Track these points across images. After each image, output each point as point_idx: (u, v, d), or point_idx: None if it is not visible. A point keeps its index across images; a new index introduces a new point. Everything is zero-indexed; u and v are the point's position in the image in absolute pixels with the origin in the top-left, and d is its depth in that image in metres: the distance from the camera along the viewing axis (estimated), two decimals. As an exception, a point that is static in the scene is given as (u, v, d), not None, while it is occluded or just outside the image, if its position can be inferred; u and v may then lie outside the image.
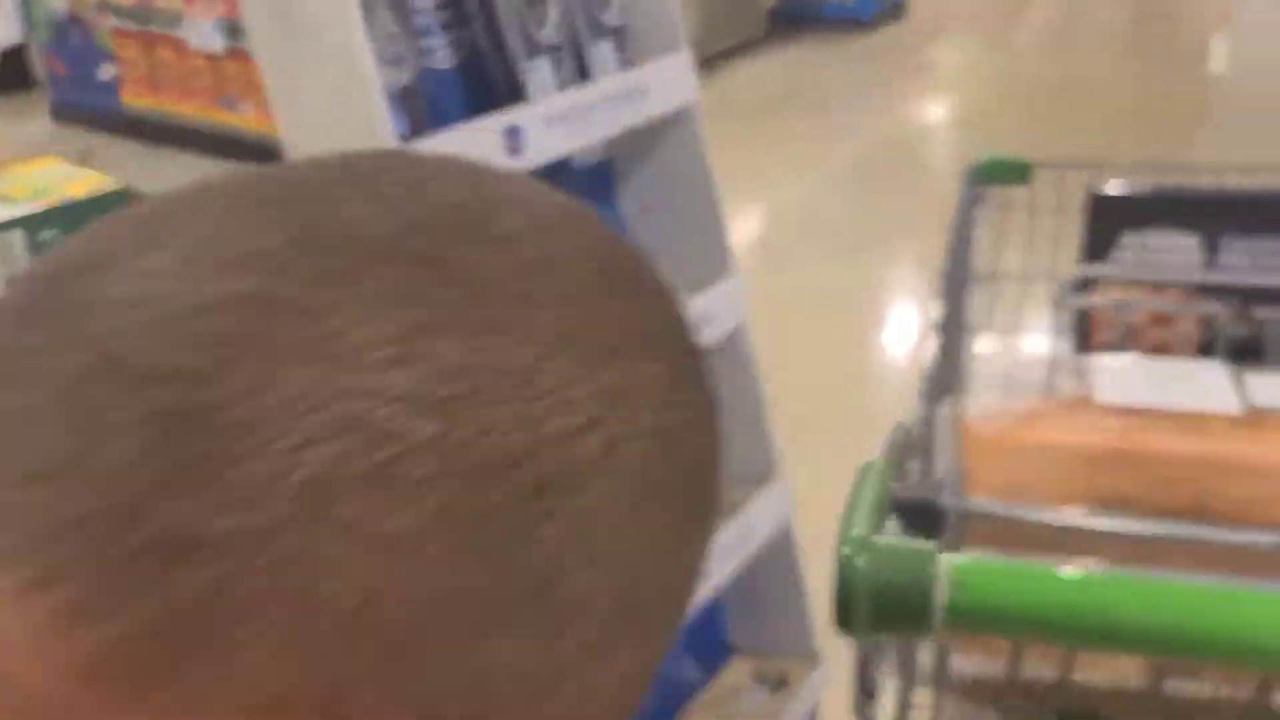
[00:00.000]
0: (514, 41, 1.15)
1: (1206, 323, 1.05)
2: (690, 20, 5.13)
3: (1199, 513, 0.62)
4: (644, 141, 1.41)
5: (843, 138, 4.38)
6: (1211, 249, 1.31)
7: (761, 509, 1.46)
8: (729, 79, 5.01)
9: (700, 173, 1.40)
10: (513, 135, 1.06)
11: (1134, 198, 1.33)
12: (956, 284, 1.35)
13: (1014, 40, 6.05)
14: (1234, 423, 0.66)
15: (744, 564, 1.43)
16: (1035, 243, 1.43)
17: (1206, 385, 0.70)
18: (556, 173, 1.37)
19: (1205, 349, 1.02)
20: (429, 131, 1.04)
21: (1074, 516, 0.60)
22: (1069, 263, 1.37)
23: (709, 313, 1.42)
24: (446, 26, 1.19)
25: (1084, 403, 0.70)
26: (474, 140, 1.05)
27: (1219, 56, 4.46)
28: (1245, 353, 0.95)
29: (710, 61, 5.01)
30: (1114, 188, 1.33)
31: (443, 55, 1.19)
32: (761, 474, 1.54)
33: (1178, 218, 1.31)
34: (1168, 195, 1.34)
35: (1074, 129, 4.24)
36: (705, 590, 1.50)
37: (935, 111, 4.90)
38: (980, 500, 0.55)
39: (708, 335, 1.50)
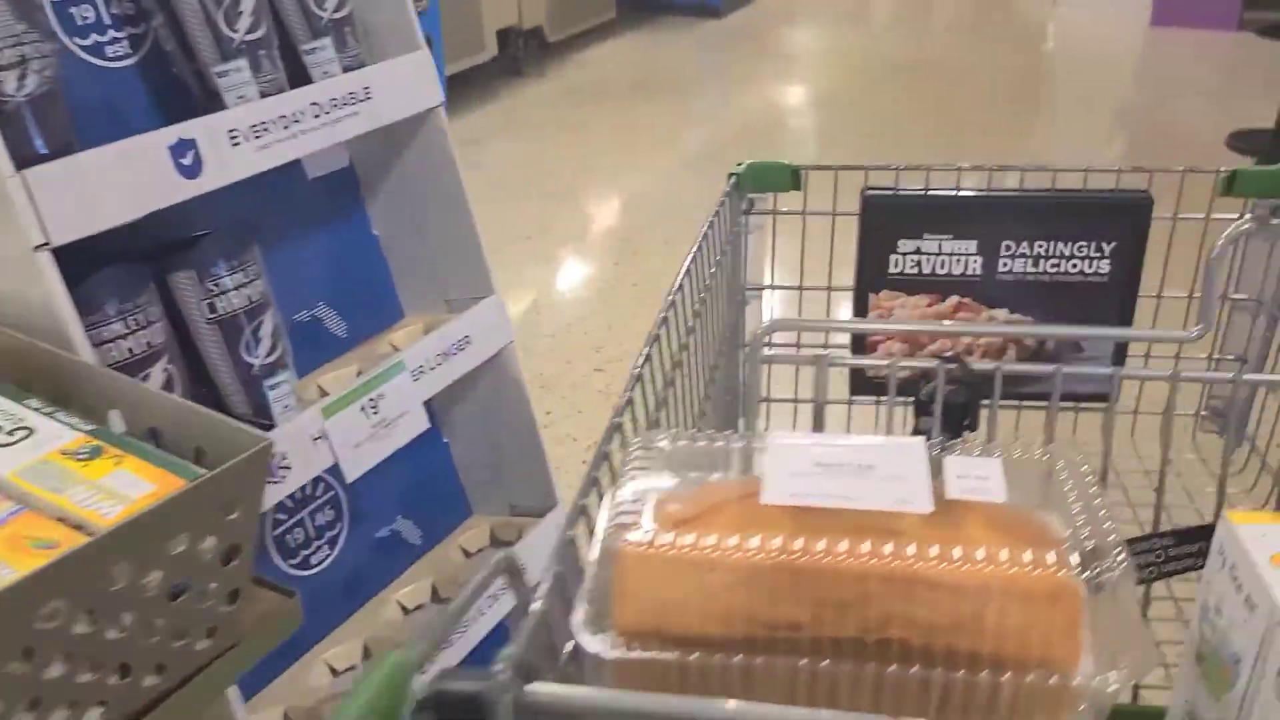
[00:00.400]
0: (201, 39, 1.00)
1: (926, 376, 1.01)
2: (539, 3, 4.78)
3: (880, 639, 0.53)
4: (386, 150, 1.27)
5: (695, 123, 4.34)
6: (990, 254, 1.29)
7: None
8: (579, 64, 4.91)
9: (451, 186, 1.26)
10: (183, 151, 0.91)
11: (908, 202, 1.29)
12: (731, 299, 1.31)
13: (863, 24, 6.09)
14: (926, 523, 0.56)
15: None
16: (811, 250, 1.41)
17: (896, 472, 0.60)
18: (288, 182, 1.23)
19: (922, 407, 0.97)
20: (82, 146, 0.88)
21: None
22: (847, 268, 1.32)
23: (472, 334, 1.30)
24: (122, 20, 1.03)
25: (755, 495, 0.59)
26: (133, 158, 0.89)
27: (1052, 35, 5.52)
28: (961, 414, 0.88)
29: (559, 46, 4.89)
30: (887, 192, 1.28)
31: (116, 51, 1.03)
32: (541, 509, 1.44)
33: (956, 223, 1.28)
34: (944, 200, 1.29)
35: (929, 105, 4.36)
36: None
37: (788, 95, 4.88)
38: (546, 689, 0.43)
39: (472, 357, 1.36)
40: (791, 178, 1.32)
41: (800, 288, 1.41)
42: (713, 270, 1.13)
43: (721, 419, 1.26)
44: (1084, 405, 1.30)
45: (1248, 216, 1.24)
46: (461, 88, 4.22)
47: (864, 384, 1.33)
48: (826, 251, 1.39)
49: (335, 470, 1.11)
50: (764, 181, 1.34)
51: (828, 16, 6.14)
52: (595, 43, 5.18)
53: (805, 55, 5.34)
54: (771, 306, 1.43)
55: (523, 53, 4.66)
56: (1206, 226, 1.28)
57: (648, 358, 0.84)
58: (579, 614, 0.52)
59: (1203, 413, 1.38)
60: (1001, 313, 1.30)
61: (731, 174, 1.30)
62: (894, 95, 4.57)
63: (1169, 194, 1.28)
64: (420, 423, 1.20)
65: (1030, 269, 1.28)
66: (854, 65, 5.07)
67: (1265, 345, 1.31)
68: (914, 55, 5.18)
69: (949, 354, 1.11)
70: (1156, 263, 1.31)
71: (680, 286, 0.98)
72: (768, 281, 1.40)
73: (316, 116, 1.06)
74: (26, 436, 0.75)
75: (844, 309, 1.38)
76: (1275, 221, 1.25)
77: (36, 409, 0.78)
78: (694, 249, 1.05)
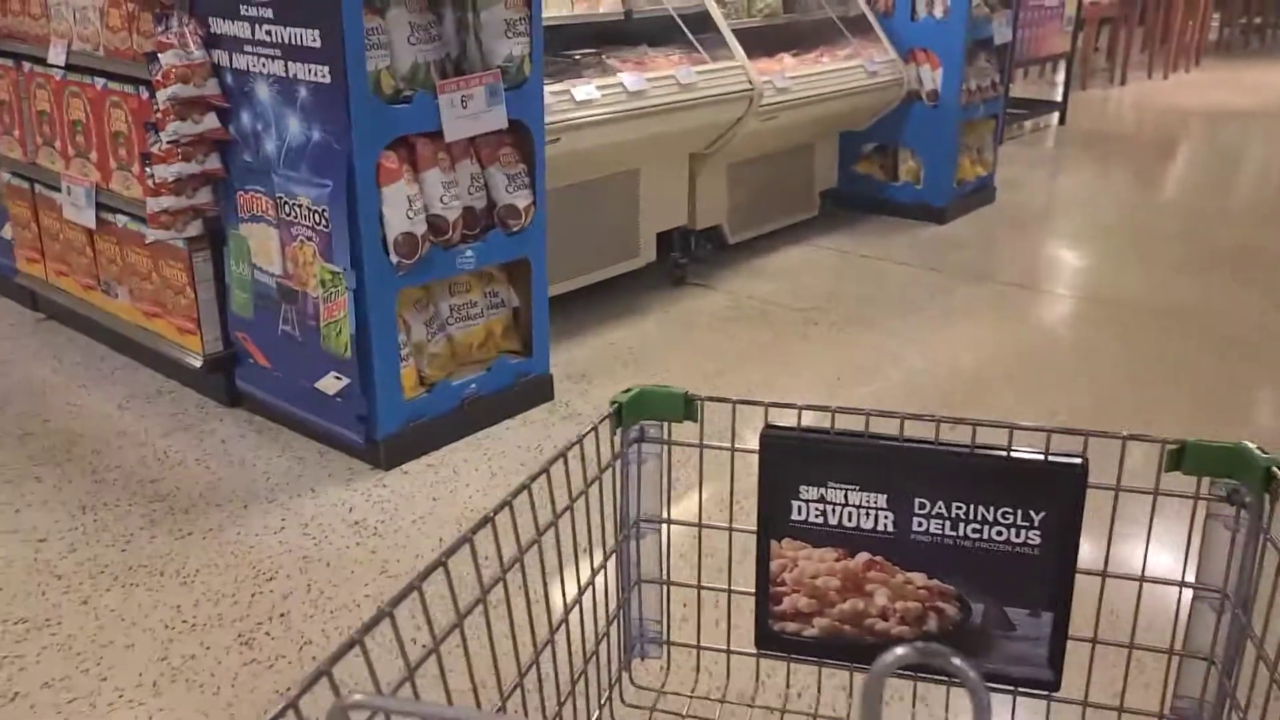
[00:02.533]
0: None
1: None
2: (719, 199, 4.39)
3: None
4: None
5: (879, 365, 3.60)
6: (903, 511, 1.15)
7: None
8: (758, 273, 4.55)
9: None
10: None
11: (809, 445, 1.17)
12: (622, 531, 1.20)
13: (1131, 239, 5.20)
14: None
15: None
16: (712, 481, 1.31)
17: None
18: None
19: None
20: None
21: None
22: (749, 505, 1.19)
23: None
24: None
25: None
26: None
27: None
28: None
29: (741, 249, 4.67)
30: (788, 431, 1.18)
31: None
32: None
33: (863, 472, 1.16)
34: (848, 446, 1.17)
35: (1209, 374, 3.63)
36: None
37: (1007, 341, 3.98)
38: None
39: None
40: (685, 407, 1.24)
41: (700, 525, 1.31)
42: (573, 497, 1.05)
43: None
44: (1023, 691, 1.18)
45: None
46: (604, 298, 4.02)
47: (771, 639, 1.24)
48: (730, 486, 1.27)
49: None
50: (654, 409, 1.24)
51: (1082, 225, 5.34)
52: (786, 244, 4.83)
53: (1042, 283, 4.41)
54: (666, 544, 1.33)
55: (690, 259, 4.38)
56: (1155, 501, 1.13)
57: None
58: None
59: (1167, 715, 1.21)
60: (919, 576, 1.18)
61: (614, 401, 1.23)
62: (1157, 349, 3.60)
63: (1109, 461, 1.14)
64: None
65: (949, 531, 1.15)
66: (1108, 301, 4.22)
67: (1233, 646, 1.12)
68: (1195, 294, 4.40)
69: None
70: (1099, 535, 1.17)
71: (510, 505, 0.92)
72: (663, 515, 1.31)
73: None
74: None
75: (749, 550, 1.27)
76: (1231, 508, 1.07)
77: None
78: (540, 472, 0.98)
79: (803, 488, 1.17)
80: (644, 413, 1.24)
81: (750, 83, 4.04)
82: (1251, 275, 4.47)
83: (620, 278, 4.06)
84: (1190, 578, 1.16)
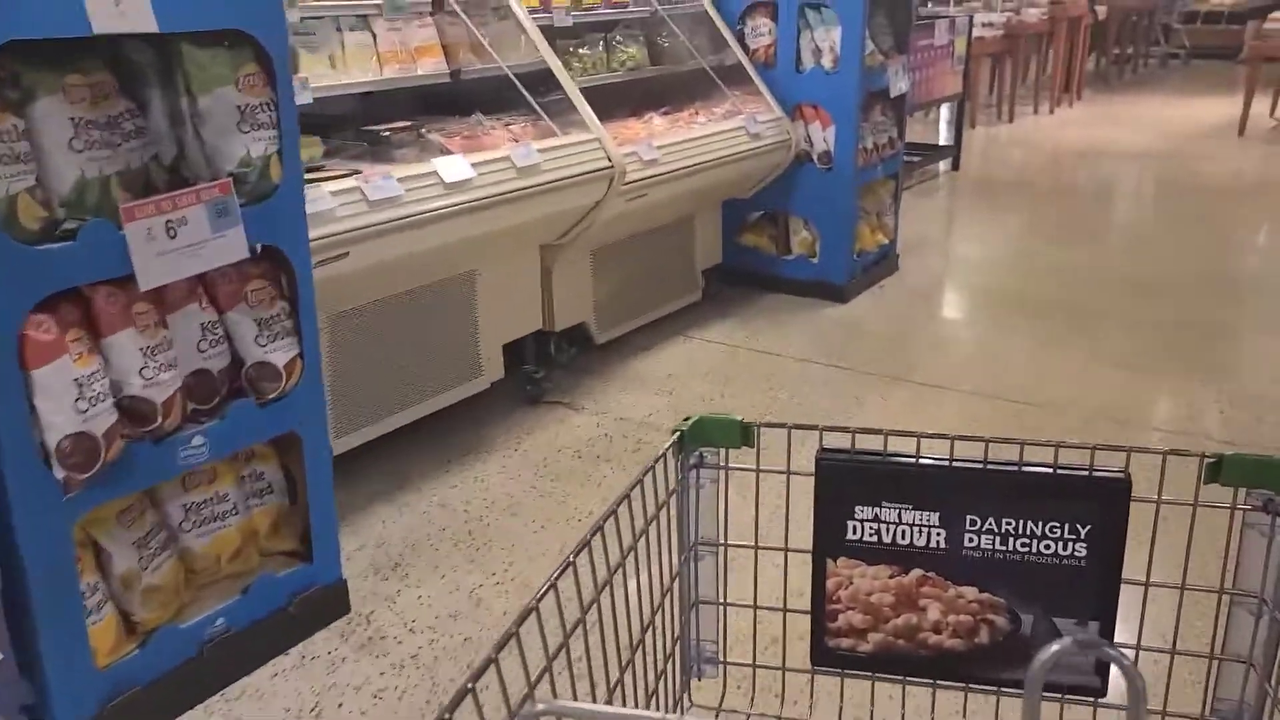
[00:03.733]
0: None
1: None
2: (583, 295, 3.26)
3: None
4: None
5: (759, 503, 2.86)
6: (954, 528, 1.20)
7: None
8: (634, 381, 3.84)
9: None
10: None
11: (864, 468, 1.22)
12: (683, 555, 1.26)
13: (1048, 320, 4.64)
14: None
15: None
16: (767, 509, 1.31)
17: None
18: None
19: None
20: None
21: None
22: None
23: None
24: None
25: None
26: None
27: None
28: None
29: (613, 349, 3.91)
30: (841, 455, 1.23)
31: None
32: None
33: (915, 492, 1.21)
34: (901, 468, 1.22)
35: None
36: None
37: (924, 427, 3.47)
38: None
39: None
40: (741, 434, 1.28)
41: (755, 547, 1.35)
42: (644, 525, 1.12)
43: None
44: (1070, 697, 1.22)
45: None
46: (438, 433, 3.22)
47: (827, 655, 1.28)
48: (785, 509, 1.27)
49: None
50: (711, 437, 1.28)
51: (998, 299, 4.76)
52: (666, 339, 4.08)
53: (963, 381, 3.84)
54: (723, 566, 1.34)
55: (549, 370, 3.63)
56: (1195, 512, 1.20)
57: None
58: None
59: (1209, 717, 1.25)
60: (970, 590, 1.23)
61: (676, 429, 1.27)
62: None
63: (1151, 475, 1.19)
64: None
65: (999, 546, 1.21)
66: (1045, 405, 3.69)
67: (1272, 649, 1.19)
68: (1144, 395, 3.87)
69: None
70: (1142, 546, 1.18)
71: (589, 544, 0.98)
72: (720, 538, 1.34)
73: None
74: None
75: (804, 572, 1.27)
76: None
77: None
78: (614, 506, 1.07)
79: (858, 508, 1.22)
80: (703, 440, 1.28)
81: (609, 159, 3.26)
82: (1208, 366, 3.87)
83: (460, 405, 3.23)
84: (1228, 584, 1.20)
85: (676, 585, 1.32)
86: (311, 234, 2.16)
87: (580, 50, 4.06)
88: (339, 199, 2.44)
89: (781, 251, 4.59)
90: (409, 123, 3.18)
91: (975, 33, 7.33)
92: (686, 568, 1.31)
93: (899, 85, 4.50)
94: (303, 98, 2.86)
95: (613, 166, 3.25)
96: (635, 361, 3.85)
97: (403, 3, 3.21)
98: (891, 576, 1.23)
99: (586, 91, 3.93)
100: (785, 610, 1.36)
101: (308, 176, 2.47)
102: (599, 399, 3.52)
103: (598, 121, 3.32)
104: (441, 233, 2.72)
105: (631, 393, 3.57)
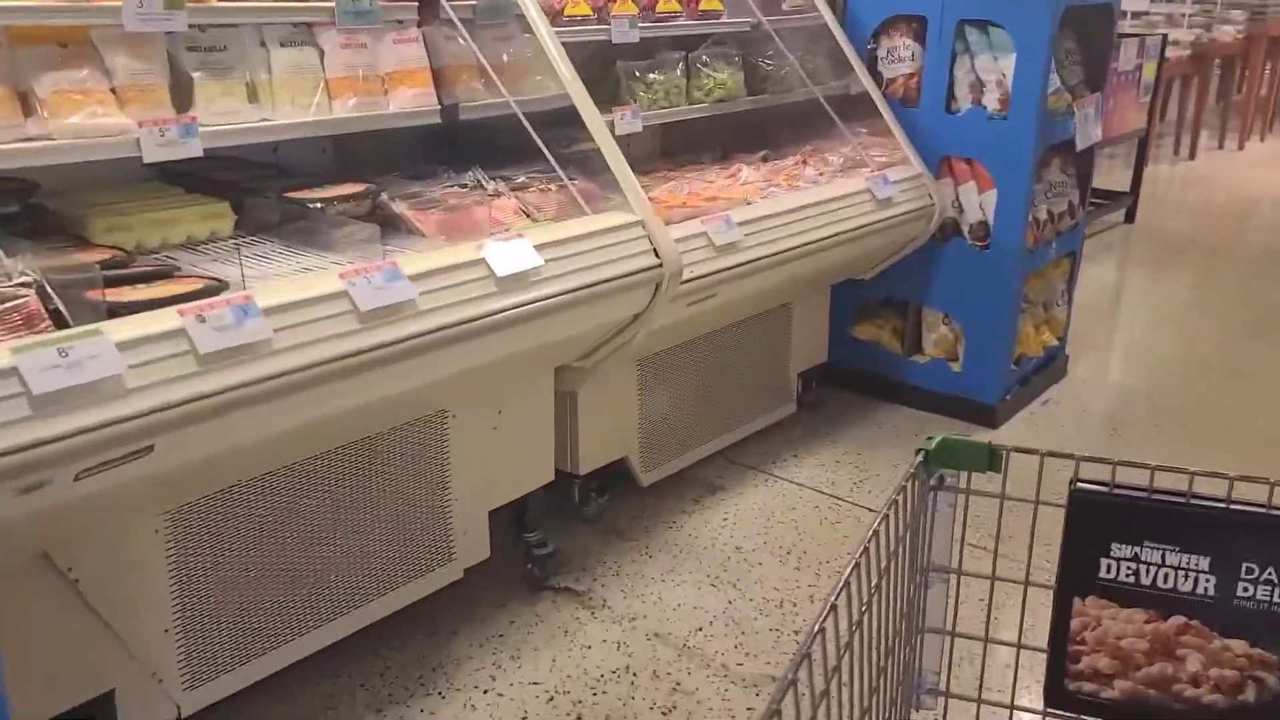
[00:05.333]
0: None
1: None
2: (626, 422, 2.60)
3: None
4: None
5: None
6: (1227, 574, 1.14)
7: None
8: (682, 549, 2.79)
9: None
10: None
11: (1126, 504, 1.17)
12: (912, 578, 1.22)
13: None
14: None
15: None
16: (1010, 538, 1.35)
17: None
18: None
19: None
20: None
21: None
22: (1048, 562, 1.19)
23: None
24: None
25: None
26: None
27: None
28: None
29: (664, 490, 2.84)
30: (1101, 489, 1.19)
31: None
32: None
33: (1184, 533, 1.16)
34: (1171, 507, 1.16)
35: None
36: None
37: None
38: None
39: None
40: (989, 458, 1.26)
41: (993, 578, 1.32)
42: (892, 549, 1.08)
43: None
44: None
45: None
46: (392, 639, 2.23)
47: (1065, 698, 1.25)
48: (1025, 539, 1.27)
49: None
50: (957, 459, 1.26)
51: (1194, 422, 3.49)
52: (739, 477, 2.93)
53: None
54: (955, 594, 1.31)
55: (559, 536, 2.56)
56: None
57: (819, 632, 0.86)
58: None
59: None
60: (1239, 643, 1.17)
61: (920, 449, 1.24)
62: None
63: None
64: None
65: (1277, 599, 1.12)
66: None
67: None
68: None
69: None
70: None
71: (857, 565, 0.96)
72: (954, 565, 1.32)
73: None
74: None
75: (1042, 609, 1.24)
76: None
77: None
78: (875, 526, 1.05)
79: (1114, 545, 1.17)
80: (946, 461, 1.27)
81: (656, 253, 2.16)
82: None
83: (428, 600, 2.18)
84: None
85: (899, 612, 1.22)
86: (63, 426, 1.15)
87: (649, 75, 2.97)
88: (138, 354, 1.40)
89: (909, 351, 3.41)
90: (363, 186, 2.13)
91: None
92: (917, 594, 1.27)
93: (1089, 134, 3.27)
94: (180, 147, 1.85)
95: (661, 265, 2.15)
96: (690, 518, 2.74)
97: (367, 7, 2.17)
98: (1147, 621, 1.18)
99: (656, 131, 2.87)
100: (1020, 646, 1.33)
101: (110, 297, 1.46)
102: (629, 587, 2.42)
103: (640, 191, 2.22)
104: (345, 393, 1.66)
105: (677, 579, 2.47)
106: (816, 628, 0.87)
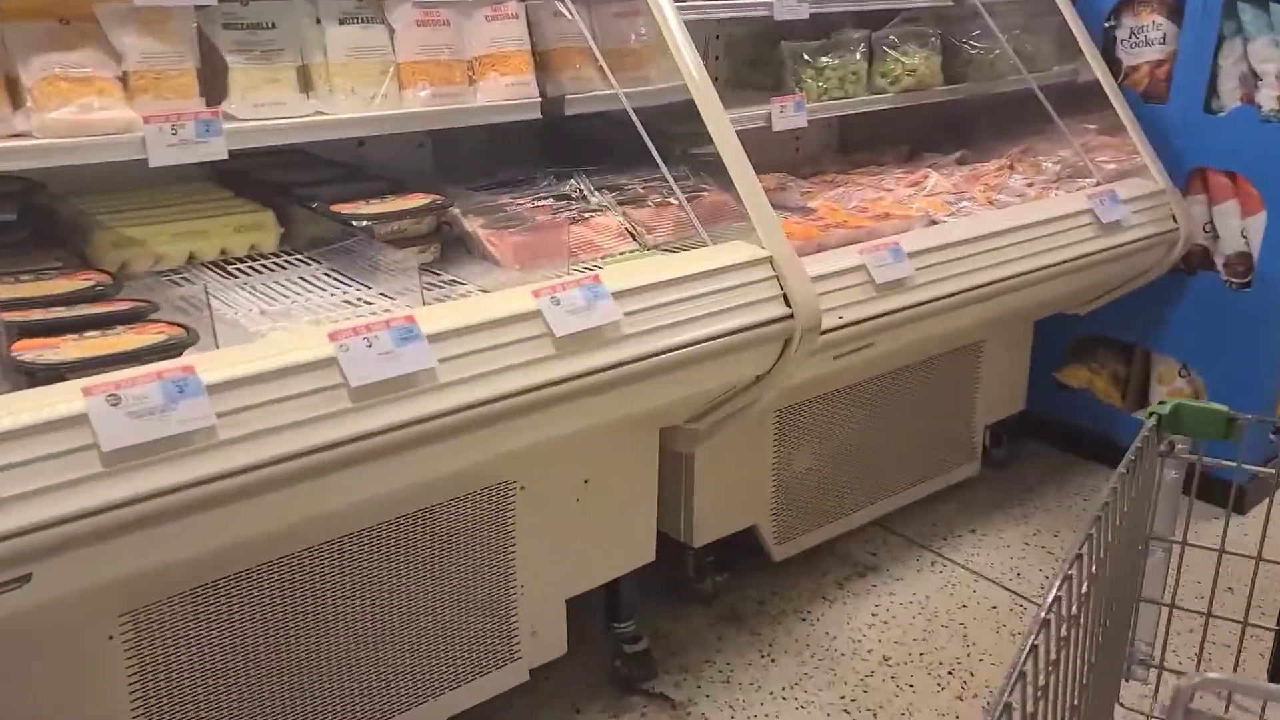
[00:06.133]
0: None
1: None
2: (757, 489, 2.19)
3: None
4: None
5: None
6: None
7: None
8: (859, 624, 2.29)
9: None
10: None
11: None
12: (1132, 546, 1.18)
13: None
14: None
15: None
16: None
17: None
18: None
19: None
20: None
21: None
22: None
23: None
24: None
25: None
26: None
27: None
28: None
29: (803, 565, 2.33)
30: None
31: None
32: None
33: None
34: None
35: None
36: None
37: None
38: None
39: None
40: (1225, 426, 1.20)
41: (1221, 550, 1.29)
42: (1118, 523, 1.07)
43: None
44: None
45: None
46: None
47: None
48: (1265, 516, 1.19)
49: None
50: (1187, 426, 1.21)
51: None
52: (899, 555, 2.40)
53: None
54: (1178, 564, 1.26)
55: (659, 623, 2.10)
56: None
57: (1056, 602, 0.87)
58: None
59: None
60: None
61: (1152, 412, 1.22)
62: None
63: None
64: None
65: None
66: None
67: None
68: None
69: None
70: None
71: (1090, 536, 0.97)
72: (1178, 536, 1.29)
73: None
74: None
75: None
76: None
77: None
78: (1106, 496, 1.06)
79: None
80: (1178, 428, 1.23)
81: (786, 299, 1.65)
82: None
83: (485, 705, 1.79)
84: None
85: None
86: None
87: (821, 59, 2.45)
88: (21, 450, 1.03)
89: (1132, 405, 2.75)
90: (429, 198, 1.73)
91: None
92: (1138, 561, 1.25)
93: (1401, 143, 2.50)
94: (197, 148, 1.50)
95: (792, 316, 1.64)
96: (830, 608, 2.23)
97: (453, -29, 1.76)
98: None
99: (830, 125, 2.41)
100: (1245, 624, 1.31)
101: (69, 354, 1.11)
102: (739, 701, 1.95)
103: (770, 215, 1.70)
104: (324, 491, 1.25)
105: (802, 697, 1.97)
106: (1043, 614, 0.87)
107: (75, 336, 1.24)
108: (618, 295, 1.45)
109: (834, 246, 1.97)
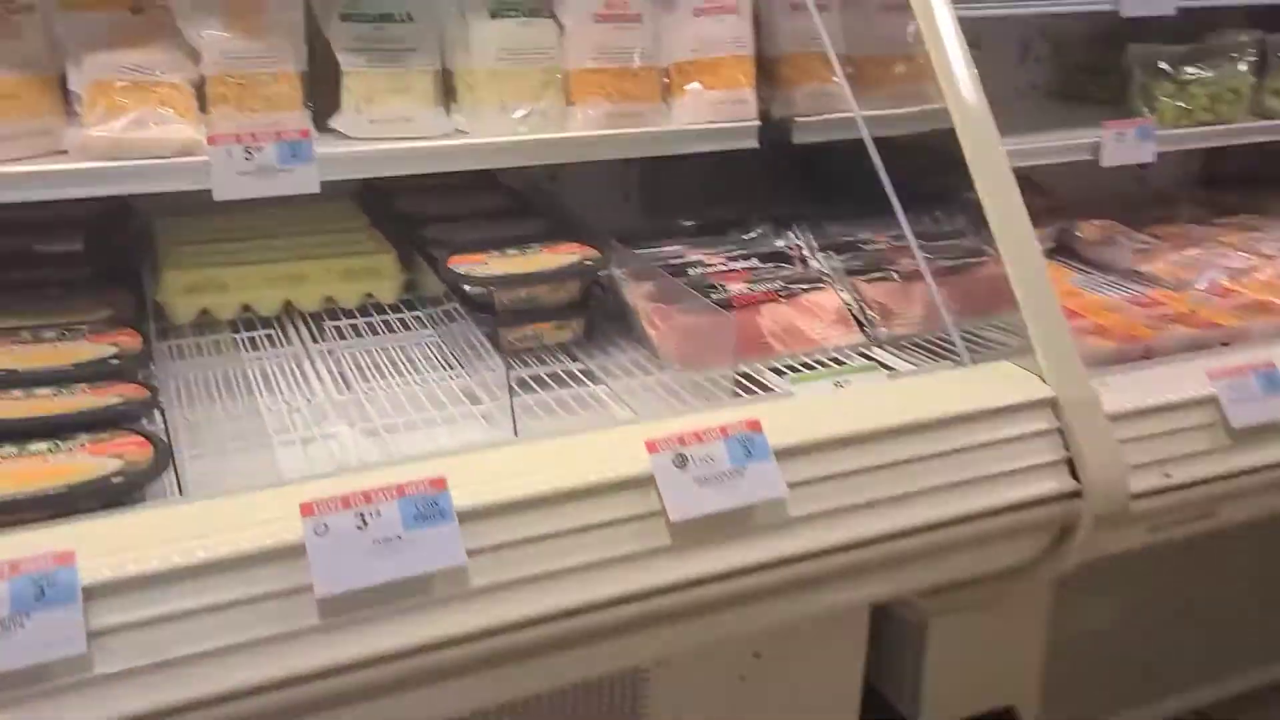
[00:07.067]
0: None
1: None
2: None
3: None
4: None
5: None
6: None
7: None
8: None
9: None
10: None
11: None
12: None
13: None
14: None
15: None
16: None
17: None
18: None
19: None
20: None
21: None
22: None
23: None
24: None
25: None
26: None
27: None
28: None
29: None
30: None
31: None
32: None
33: None
34: None
35: None
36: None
37: None
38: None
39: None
40: None
41: None
42: None
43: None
44: None
45: None
46: None
47: None
48: None
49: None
50: None
51: None
52: None
53: None
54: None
55: None
56: None
57: None
58: None
59: None
60: None
61: None
62: None
63: None
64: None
65: None
66: None
67: None
68: None
69: None
70: None
71: None
72: None
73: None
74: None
75: None
76: None
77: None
78: None
79: None
80: None
81: (1073, 467, 1.05)
82: None
83: None
84: None
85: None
86: None
87: (1184, 70, 1.79)
88: None
89: None
90: (580, 253, 1.28)
91: None
92: None
93: None
94: (281, 179, 1.15)
95: (1080, 494, 1.05)
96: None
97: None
98: None
99: (1193, 156, 1.82)
100: None
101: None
102: None
103: (1060, 322, 1.10)
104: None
105: None
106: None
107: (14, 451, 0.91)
108: (793, 453, 0.94)
109: (1171, 353, 1.35)
